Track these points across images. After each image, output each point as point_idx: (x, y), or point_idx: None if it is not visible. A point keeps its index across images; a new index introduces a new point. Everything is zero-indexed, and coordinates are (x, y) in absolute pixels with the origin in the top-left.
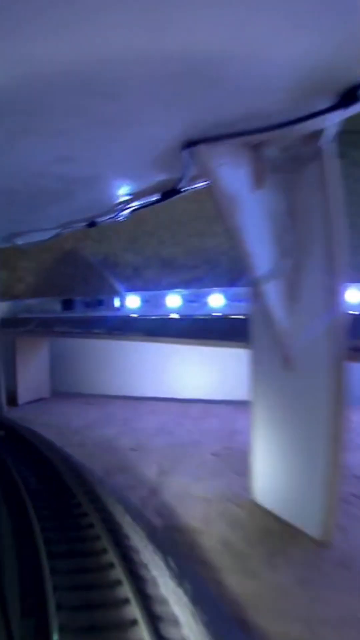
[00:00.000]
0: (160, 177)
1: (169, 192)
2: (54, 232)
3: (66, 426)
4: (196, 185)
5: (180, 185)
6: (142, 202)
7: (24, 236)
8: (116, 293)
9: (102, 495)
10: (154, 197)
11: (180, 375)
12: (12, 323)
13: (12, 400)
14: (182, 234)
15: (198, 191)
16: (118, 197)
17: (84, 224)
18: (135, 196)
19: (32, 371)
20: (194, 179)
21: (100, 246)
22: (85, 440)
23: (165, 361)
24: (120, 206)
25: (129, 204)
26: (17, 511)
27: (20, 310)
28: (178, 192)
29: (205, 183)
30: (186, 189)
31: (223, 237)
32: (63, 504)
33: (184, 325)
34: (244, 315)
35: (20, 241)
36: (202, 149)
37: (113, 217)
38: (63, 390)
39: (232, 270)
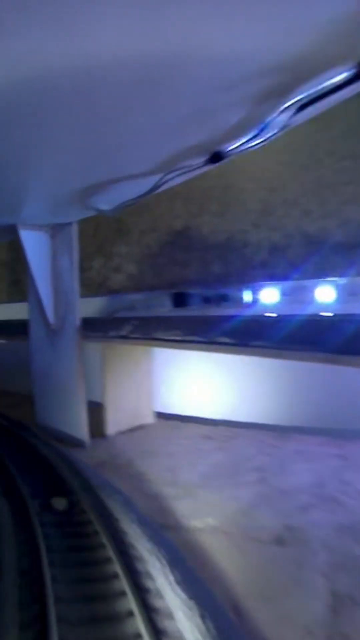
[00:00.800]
0: None
1: None
2: (151, 182)
3: (172, 480)
4: None
5: None
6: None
7: (108, 192)
8: (246, 284)
9: None
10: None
11: (336, 396)
12: (100, 325)
13: (98, 428)
14: (334, 202)
15: (355, 143)
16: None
17: (202, 159)
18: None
19: (128, 389)
20: None
21: (223, 222)
22: (196, 513)
23: (321, 375)
24: (268, 105)
25: (292, 91)
26: None
27: (117, 307)
28: None
29: None
30: None
31: None
32: None
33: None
34: None
35: (104, 204)
36: None
37: (257, 135)
38: (173, 412)
39: None
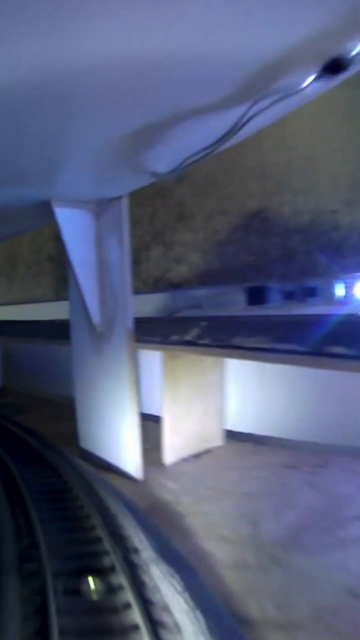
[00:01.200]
0: None
1: None
2: (228, 121)
3: (252, 537)
4: None
5: None
6: None
7: (166, 144)
8: (336, 275)
9: None
10: None
11: None
12: (158, 327)
13: (154, 453)
14: None
15: None
16: None
17: (310, 73)
18: None
19: (192, 406)
20: None
21: (306, 200)
22: (288, 596)
23: None
24: None
25: None
26: None
27: (180, 305)
28: None
29: None
30: None
31: None
32: None
33: None
34: None
35: (160, 164)
36: None
37: None
38: (244, 429)
39: None
